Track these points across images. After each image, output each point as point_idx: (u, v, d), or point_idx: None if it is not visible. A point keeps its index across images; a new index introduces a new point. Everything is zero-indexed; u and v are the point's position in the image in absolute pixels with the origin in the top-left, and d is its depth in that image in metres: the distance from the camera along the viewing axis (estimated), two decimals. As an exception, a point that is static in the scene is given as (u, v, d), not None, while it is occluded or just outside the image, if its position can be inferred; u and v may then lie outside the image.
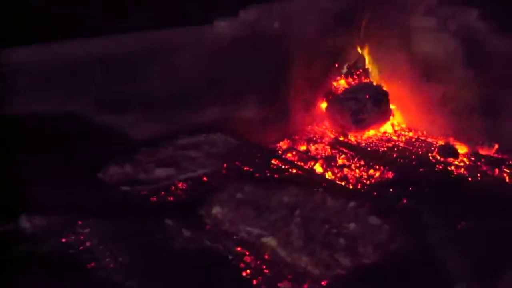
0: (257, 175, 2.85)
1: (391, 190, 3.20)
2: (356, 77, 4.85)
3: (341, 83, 4.86)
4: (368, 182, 3.54)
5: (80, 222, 2.52)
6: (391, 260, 2.19)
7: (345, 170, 3.77)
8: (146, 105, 3.62)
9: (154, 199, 2.73)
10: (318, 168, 3.70)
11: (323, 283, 2.08)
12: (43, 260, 2.25)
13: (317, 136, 4.43)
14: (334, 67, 4.81)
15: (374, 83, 4.78)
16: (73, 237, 2.45)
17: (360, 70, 4.86)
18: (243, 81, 4.13)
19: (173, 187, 2.83)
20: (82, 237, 2.45)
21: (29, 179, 2.85)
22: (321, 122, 4.66)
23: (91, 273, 2.25)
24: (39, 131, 3.16)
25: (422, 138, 4.44)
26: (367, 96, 4.47)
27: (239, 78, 4.10)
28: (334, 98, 4.63)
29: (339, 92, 4.72)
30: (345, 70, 4.85)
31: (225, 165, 3.01)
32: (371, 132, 4.52)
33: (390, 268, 2.15)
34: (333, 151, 4.08)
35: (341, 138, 4.37)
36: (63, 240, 2.43)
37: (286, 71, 4.39)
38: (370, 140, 4.40)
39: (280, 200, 2.41)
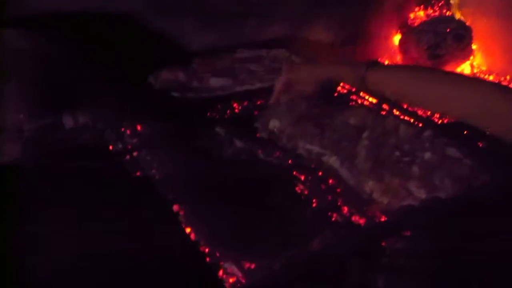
0: (321, 94, 2.54)
1: (465, 132, 2.85)
2: (437, 9, 4.37)
3: (419, 15, 4.40)
4: (440, 121, 3.23)
5: (122, 130, 2.33)
6: (472, 197, 1.87)
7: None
8: (203, 15, 3.35)
9: (206, 108, 2.50)
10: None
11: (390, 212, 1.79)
12: (80, 151, 2.11)
13: (386, 69, 4.06)
14: (413, -4, 4.37)
15: (457, 18, 4.30)
16: (118, 143, 2.26)
17: (442, 2, 4.37)
18: (311, 1, 3.80)
19: (227, 98, 2.59)
20: (127, 144, 2.26)
21: (74, 78, 2.69)
22: (392, 56, 4.28)
23: (133, 182, 2.08)
24: (88, 29, 2.98)
25: (504, 83, 3.99)
26: (448, 30, 4.03)
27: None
28: (409, 30, 4.21)
29: (416, 24, 4.29)
30: (425, 0, 4.39)
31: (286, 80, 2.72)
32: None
33: (471, 205, 1.84)
34: (403, 86, 3.72)
35: (413, 74, 3.99)
36: (107, 144, 2.26)
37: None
38: (445, 79, 3.98)
39: (346, 121, 2.11)
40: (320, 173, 1.99)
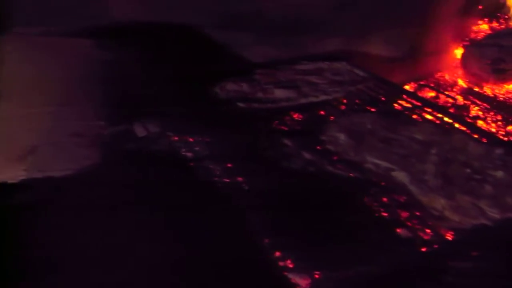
0: (384, 108, 2.54)
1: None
2: (502, 22, 4.26)
3: (483, 28, 4.30)
4: (506, 139, 3.13)
5: (191, 139, 2.38)
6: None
7: (479, 122, 3.36)
8: (263, 28, 3.42)
9: (271, 119, 2.53)
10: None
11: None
12: (152, 157, 2.17)
13: (447, 84, 3.99)
14: (476, 9, 4.27)
15: (523, 31, 4.18)
16: (186, 151, 2.32)
17: (508, 15, 4.26)
18: (371, 14, 3.78)
19: (290, 110, 2.62)
20: (194, 151, 2.31)
21: (145, 87, 2.79)
22: (453, 70, 4.19)
23: (201, 187, 2.12)
24: (157, 41, 3.09)
25: None
26: (513, 44, 3.91)
27: (367, 11, 3.76)
28: (472, 44, 4.12)
29: (479, 37, 4.19)
30: (489, 13, 4.28)
31: (350, 94, 2.74)
32: (512, 86, 3.98)
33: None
34: (465, 102, 3.65)
35: (476, 89, 3.89)
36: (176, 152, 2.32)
37: (419, 10, 3.95)
38: (510, 95, 3.87)
39: (412, 136, 2.10)
40: (388, 188, 1.99)
